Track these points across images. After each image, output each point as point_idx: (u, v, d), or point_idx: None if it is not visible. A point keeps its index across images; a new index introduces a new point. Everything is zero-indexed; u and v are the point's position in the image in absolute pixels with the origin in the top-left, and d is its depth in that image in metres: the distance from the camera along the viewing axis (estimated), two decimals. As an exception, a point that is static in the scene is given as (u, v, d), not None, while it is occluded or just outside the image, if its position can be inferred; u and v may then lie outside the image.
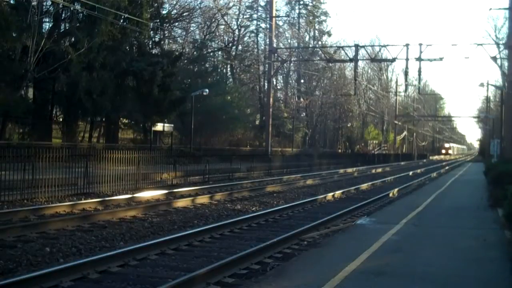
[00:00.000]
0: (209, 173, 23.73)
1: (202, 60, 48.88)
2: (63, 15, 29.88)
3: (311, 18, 66.31)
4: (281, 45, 56.39)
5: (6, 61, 25.74)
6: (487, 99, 66.24)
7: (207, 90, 33.71)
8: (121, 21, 30.94)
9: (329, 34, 68.81)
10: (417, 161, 68.37)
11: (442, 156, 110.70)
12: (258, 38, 59.50)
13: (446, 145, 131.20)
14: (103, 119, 36.07)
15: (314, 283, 6.14)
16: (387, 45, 40.07)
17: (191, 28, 50.91)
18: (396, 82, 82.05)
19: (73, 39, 29.64)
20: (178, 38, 48.81)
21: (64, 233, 10.04)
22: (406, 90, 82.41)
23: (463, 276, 6.81)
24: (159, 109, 33.64)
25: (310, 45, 63.59)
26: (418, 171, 40.31)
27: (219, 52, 55.66)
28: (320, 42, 66.15)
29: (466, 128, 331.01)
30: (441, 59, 35.21)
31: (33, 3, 25.64)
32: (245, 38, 59.01)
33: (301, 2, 65.94)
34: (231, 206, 15.01)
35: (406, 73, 41.22)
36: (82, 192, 16.07)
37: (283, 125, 57.68)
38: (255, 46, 59.30)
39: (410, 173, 36.95)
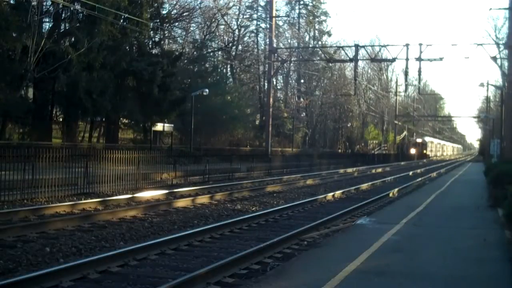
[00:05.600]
0: (209, 173, 23.73)
1: (202, 60, 48.89)
2: (63, 15, 29.89)
3: (311, 18, 66.36)
4: (281, 45, 56.43)
5: (6, 61, 25.75)
6: (487, 99, 66.26)
7: (207, 90, 33.69)
8: (121, 21, 30.95)
9: (329, 34, 68.95)
10: (417, 161, 68.29)
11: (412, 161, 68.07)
12: (258, 38, 59.61)
13: (419, 139, 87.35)
14: (103, 119, 36.09)
15: (314, 283, 6.14)
16: (387, 45, 40.13)
17: (191, 28, 50.96)
18: (396, 82, 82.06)
19: (73, 39, 29.65)
20: (178, 38, 48.84)
21: (64, 233, 10.03)
22: (406, 90, 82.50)
23: (463, 276, 6.81)
24: (159, 109, 33.65)
25: (310, 45, 63.65)
26: (418, 171, 40.29)
27: (219, 52, 55.68)
28: (320, 42, 66.21)
29: (466, 128, 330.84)
30: (441, 59, 35.24)
31: (33, 3, 25.64)
32: (245, 38, 59.08)
33: (301, 2, 66.00)
34: (231, 206, 15.01)
35: (406, 73, 41.18)
36: (82, 192, 16.07)
37: (283, 125, 57.70)
38: (255, 46, 59.34)
39: (410, 173, 36.94)
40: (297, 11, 65.93)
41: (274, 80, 54.24)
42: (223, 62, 53.93)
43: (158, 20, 37.21)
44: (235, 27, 56.19)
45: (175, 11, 45.69)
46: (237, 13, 56.22)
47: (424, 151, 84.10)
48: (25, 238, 9.37)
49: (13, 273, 7.15)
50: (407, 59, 36.11)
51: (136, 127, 38.94)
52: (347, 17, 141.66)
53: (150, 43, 38.14)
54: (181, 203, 14.74)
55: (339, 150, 68.82)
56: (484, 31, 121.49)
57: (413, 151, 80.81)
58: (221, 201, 16.00)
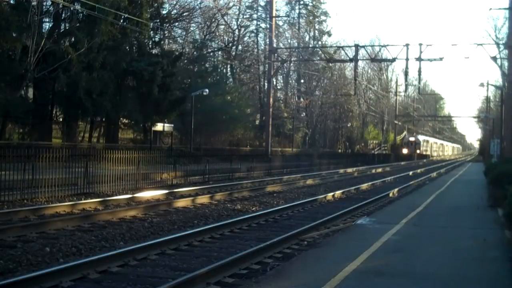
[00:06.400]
0: (209, 173, 23.73)
1: (202, 60, 48.90)
2: (63, 15, 29.88)
3: (311, 18, 66.33)
4: (281, 45, 56.42)
5: (6, 61, 25.75)
6: (487, 99, 66.28)
7: (207, 90, 33.71)
8: (121, 21, 30.94)
9: (329, 34, 68.91)
10: (417, 161, 68.29)
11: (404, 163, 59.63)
12: (258, 38, 59.59)
13: (412, 138, 78.33)
14: (103, 119, 36.08)
15: (314, 283, 6.14)
16: (387, 45, 40.09)
17: (191, 28, 50.99)
18: (396, 82, 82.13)
19: (73, 39, 29.64)
20: (178, 38, 48.86)
21: (64, 233, 10.03)
22: (406, 90, 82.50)
23: (463, 276, 6.81)
24: (159, 109, 33.65)
25: (310, 45, 63.63)
26: (418, 171, 40.29)
27: (219, 52, 55.69)
28: (320, 42, 66.20)
29: (466, 128, 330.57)
30: (441, 59, 35.22)
31: (33, 3, 25.63)
32: (245, 38, 59.08)
33: (301, 2, 65.97)
34: (231, 206, 15.00)
35: (406, 73, 41.15)
36: (82, 192, 16.07)
37: (283, 125, 57.70)
38: (255, 46, 59.32)
39: (410, 173, 36.94)
40: (297, 11, 65.93)
41: (274, 80, 54.24)
42: (223, 62, 53.93)
43: (158, 20, 37.22)
44: (235, 27, 56.27)
45: (175, 11, 45.75)
46: (237, 13, 56.30)
47: (418, 151, 76.77)
48: (25, 238, 9.38)
49: (13, 273, 7.15)
50: (407, 59, 36.10)
51: (136, 127, 38.94)
52: (347, 17, 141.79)
53: (150, 43, 38.14)
54: (181, 203, 14.74)
55: (339, 150, 68.81)
56: (484, 31, 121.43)
57: (405, 150, 73.86)
58: (221, 201, 16.00)
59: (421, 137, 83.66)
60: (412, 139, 78.16)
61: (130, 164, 18.61)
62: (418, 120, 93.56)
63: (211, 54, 53.76)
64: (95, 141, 38.12)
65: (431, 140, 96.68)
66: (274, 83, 55.10)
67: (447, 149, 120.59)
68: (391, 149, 76.70)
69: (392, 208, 14.62)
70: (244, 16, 57.25)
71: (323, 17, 67.76)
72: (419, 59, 35.63)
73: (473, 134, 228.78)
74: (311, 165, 37.28)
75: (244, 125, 50.17)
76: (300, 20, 66.06)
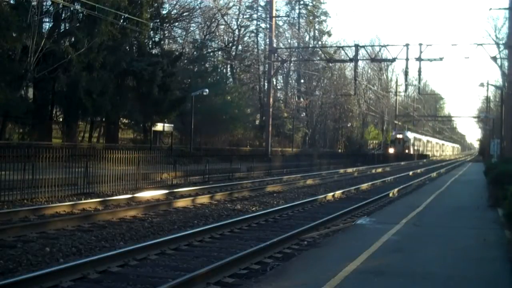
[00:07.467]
0: (209, 173, 23.73)
1: (202, 60, 48.91)
2: (63, 15, 29.91)
3: (311, 18, 66.39)
4: (281, 45, 56.44)
5: (6, 61, 25.75)
6: (487, 99, 66.28)
7: (207, 90, 33.72)
8: (121, 21, 30.95)
9: (329, 34, 68.96)
10: (417, 161, 68.17)
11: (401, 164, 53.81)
12: (258, 38, 59.64)
13: (399, 135, 68.85)
14: (103, 119, 36.09)
15: (314, 283, 6.14)
16: (387, 45, 40.06)
17: (191, 28, 51.02)
18: (396, 82, 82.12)
19: (73, 39, 29.66)
20: (178, 38, 48.89)
21: (64, 233, 10.04)
22: (406, 90, 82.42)
23: (463, 276, 6.81)
24: (159, 109, 33.67)
25: (310, 45, 63.65)
26: (418, 171, 40.28)
27: (219, 52, 55.71)
28: (320, 42, 66.25)
29: (466, 128, 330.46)
30: (441, 59, 35.25)
31: (33, 3, 25.64)
32: (245, 38, 59.12)
33: (301, 2, 66.02)
34: (231, 206, 15.00)
35: (406, 73, 41.17)
36: (82, 192, 16.07)
37: (283, 125, 57.72)
38: (255, 46, 59.37)
39: (410, 173, 36.92)
40: (297, 11, 65.98)
41: (274, 80, 54.25)
42: (223, 62, 53.94)
43: (158, 20, 37.24)
44: (235, 27, 56.31)
45: (175, 11, 45.78)
46: (237, 13, 56.34)
47: (406, 151, 67.11)
48: (25, 238, 9.38)
49: (13, 273, 7.15)
50: (407, 59, 36.13)
51: (136, 127, 38.97)
52: (347, 17, 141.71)
53: (150, 43, 38.16)
54: (181, 203, 14.74)
55: (339, 150, 68.78)
56: (484, 31, 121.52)
57: (391, 150, 65.57)
58: (221, 201, 16.00)
59: (411, 135, 72.81)
60: (399, 136, 68.38)
61: (130, 164, 18.60)
62: (418, 120, 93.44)
63: (211, 54, 53.78)
64: (95, 141, 38.15)
65: (424, 138, 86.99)
66: (274, 83, 55.13)
67: (445, 149, 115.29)
68: (383, 148, 72.56)
69: (392, 208, 14.62)
70: (244, 16, 57.34)
71: (323, 17, 67.94)
72: (419, 59, 35.65)
73: (473, 134, 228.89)
74: (311, 165, 37.28)
75: (244, 125, 50.21)
76: (300, 20, 66.13)
